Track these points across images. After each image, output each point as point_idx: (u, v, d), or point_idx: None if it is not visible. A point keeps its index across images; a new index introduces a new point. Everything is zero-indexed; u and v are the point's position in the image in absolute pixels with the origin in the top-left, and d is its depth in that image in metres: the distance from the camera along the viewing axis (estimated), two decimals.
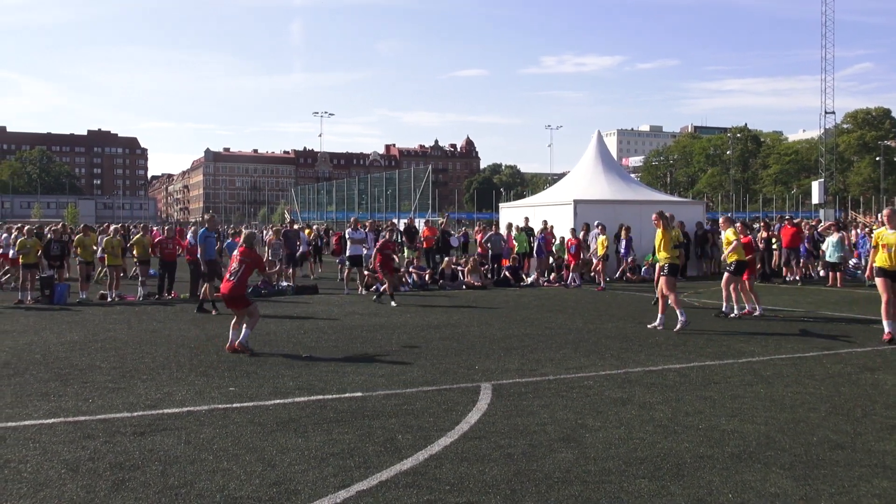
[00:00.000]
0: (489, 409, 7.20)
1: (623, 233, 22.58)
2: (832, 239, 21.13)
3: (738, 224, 16.16)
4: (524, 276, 22.95)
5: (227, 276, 10.69)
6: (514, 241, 23.71)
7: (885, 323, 10.96)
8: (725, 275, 14.26)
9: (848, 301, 16.74)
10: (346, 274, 20.40)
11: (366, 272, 20.22)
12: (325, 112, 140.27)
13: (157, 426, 6.62)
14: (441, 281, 21.43)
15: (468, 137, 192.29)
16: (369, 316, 14.71)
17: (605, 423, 6.61)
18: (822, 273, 22.59)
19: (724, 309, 14.29)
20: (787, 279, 22.28)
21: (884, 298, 10.94)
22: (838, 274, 20.76)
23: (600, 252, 20.68)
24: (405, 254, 25.81)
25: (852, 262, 23.25)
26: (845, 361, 9.55)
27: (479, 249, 24.03)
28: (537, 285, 22.10)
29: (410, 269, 21.94)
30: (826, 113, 62.03)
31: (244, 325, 10.41)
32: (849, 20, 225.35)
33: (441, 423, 6.67)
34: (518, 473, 5.31)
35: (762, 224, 26.45)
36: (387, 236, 18.84)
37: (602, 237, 20.82)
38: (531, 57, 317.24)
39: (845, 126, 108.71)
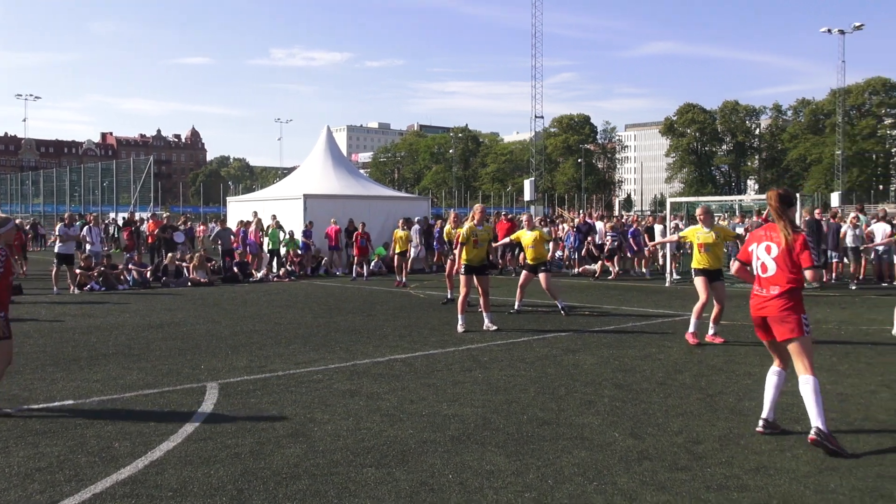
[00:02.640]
0: (215, 409, 6.99)
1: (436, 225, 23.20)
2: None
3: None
4: (253, 272, 22.52)
5: None
6: (260, 237, 23.29)
7: (693, 322, 10.43)
8: (543, 275, 13.79)
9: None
10: (54, 272, 18.73)
11: (77, 270, 18.74)
12: (31, 95, 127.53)
13: None
14: (164, 278, 20.38)
15: (193, 128, 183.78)
16: (83, 317, 13.63)
17: (333, 416, 6.69)
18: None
19: (517, 307, 14.02)
20: (503, 270, 23.93)
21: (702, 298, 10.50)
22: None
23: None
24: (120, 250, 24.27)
25: (558, 254, 25.43)
26: (551, 345, 10.46)
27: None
28: (267, 281, 21.79)
29: (130, 266, 20.65)
30: (536, 117, 67.41)
31: None
32: (555, 33, 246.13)
33: (163, 427, 6.36)
34: (245, 472, 5.22)
35: None
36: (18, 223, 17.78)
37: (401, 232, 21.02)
38: (260, 48, 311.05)
39: (552, 130, 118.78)
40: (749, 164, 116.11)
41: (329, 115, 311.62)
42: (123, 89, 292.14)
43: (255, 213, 24.27)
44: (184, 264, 21.25)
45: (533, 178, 57.95)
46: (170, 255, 21.42)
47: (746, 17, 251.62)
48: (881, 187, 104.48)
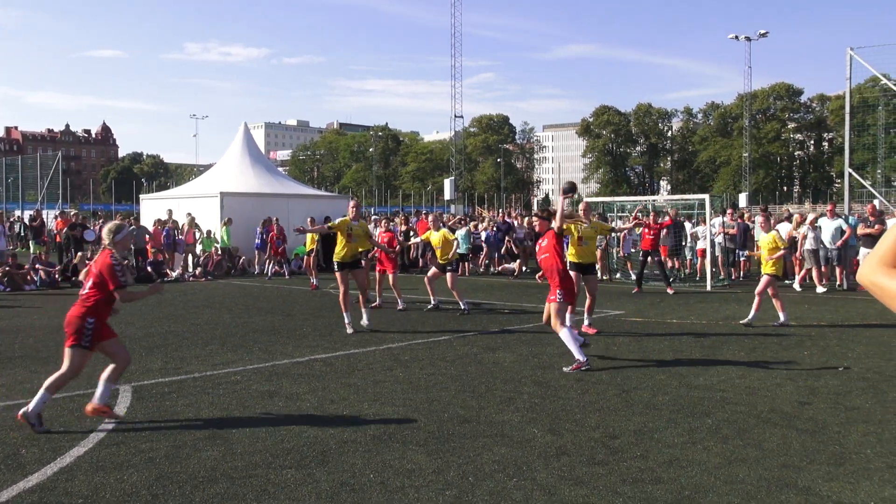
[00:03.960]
0: (128, 412, 6.80)
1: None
2: (461, 232, 23.15)
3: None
4: (168, 272, 21.96)
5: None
6: (193, 237, 22.78)
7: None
8: (450, 274, 14.00)
9: (474, 288, 18.45)
10: None
11: None
12: None
13: None
14: (74, 278, 19.67)
15: (105, 123, 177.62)
16: None
17: (252, 418, 6.60)
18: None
19: (462, 307, 13.83)
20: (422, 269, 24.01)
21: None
22: (467, 264, 22.82)
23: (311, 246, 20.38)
24: (31, 249, 23.34)
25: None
26: (472, 343, 10.54)
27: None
28: (183, 280, 21.28)
29: (37, 266, 19.86)
30: (456, 117, 67.49)
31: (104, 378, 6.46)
32: (475, 33, 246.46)
33: (73, 432, 6.15)
34: (160, 477, 5.10)
35: (402, 218, 28.14)
36: None
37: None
38: (174, 42, 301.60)
39: (472, 129, 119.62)
40: (662, 165, 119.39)
41: (246, 111, 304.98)
42: (30, 82, 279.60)
43: (170, 212, 23.67)
44: None
45: (453, 178, 57.99)
46: (79, 254, 20.68)
47: (659, 22, 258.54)
48: (785, 189, 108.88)
